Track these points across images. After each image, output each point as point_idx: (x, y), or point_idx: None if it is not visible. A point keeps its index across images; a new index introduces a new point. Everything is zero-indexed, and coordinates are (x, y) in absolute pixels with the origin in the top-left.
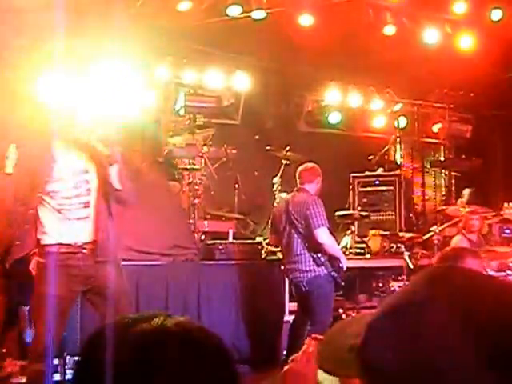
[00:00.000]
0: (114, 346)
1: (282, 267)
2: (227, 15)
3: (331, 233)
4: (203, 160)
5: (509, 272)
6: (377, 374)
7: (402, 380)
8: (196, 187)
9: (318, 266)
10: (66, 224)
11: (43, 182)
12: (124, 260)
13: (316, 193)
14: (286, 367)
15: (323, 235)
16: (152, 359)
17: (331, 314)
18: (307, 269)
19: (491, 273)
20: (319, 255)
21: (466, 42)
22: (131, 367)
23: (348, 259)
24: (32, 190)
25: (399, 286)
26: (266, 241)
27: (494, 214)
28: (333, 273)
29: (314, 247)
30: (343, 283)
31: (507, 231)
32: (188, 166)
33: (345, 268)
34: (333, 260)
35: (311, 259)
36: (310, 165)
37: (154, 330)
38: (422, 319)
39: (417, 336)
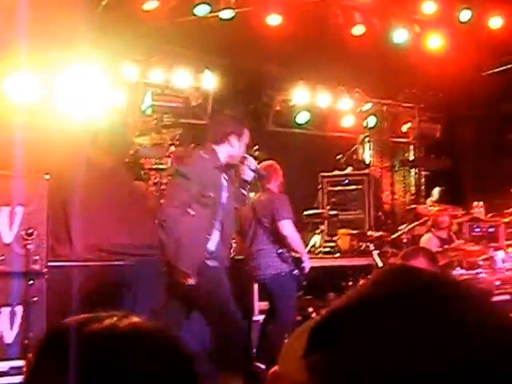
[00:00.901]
0: (64, 346)
1: (247, 267)
2: (195, 15)
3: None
4: (170, 160)
5: (479, 270)
6: (320, 379)
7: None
8: (163, 187)
9: (282, 261)
10: None
11: None
12: (91, 260)
13: (280, 188)
14: None
15: (287, 227)
16: (101, 360)
17: (294, 313)
18: (269, 264)
19: (461, 271)
20: (284, 250)
21: (435, 42)
22: (80, 368)
23: (317, 258)
24: None
25: None
26: (234, 240)
27: (463, 212)
28: (295, 271)
29: (279, 241)
30: (305, 282)
31: (477, 229)
32: (155, 166)
33: (307, 267)
34: (296, 258)
35: (275, 254)
36: (266, 163)
37: (105, 330)
38: (361, 322)
39: (356, 339)
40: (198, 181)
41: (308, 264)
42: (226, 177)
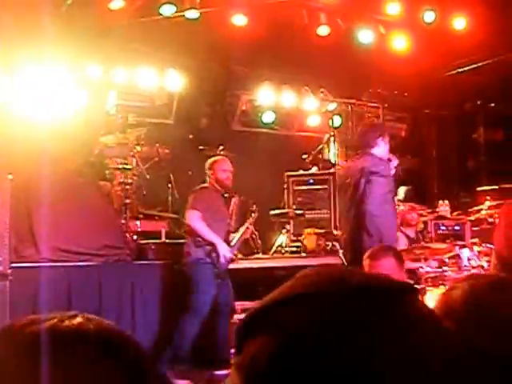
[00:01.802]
0: (4, 347)
1: None
2: (160, 14)
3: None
4: (135, 159)
5: (445, 268)
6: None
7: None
8: (127, 187)
9: (196, 247)
10: None
11: None
12: (53, 261)
13: (219, 184)
14: None
15: (189, 216)
16: (37, 361)
17: (205, 302)
18: (187, 250)
19: (427, 269)
20: (198, 238)
21: (400, 43)
22: (16, 369)
23: (284, 258)
24: None
25: None
26: None
27: (429, 211)
28: (208, 259)
29: (192, 230)
30: (218, 270)
31: (442, 228)
32: (119, 166)
33: (223, 255)
34: (213, 246)
35: (191, 241)
36: (211, 159)
37: (46, 330)
38: (269, 323)
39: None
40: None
41: (224, 252)
42: None
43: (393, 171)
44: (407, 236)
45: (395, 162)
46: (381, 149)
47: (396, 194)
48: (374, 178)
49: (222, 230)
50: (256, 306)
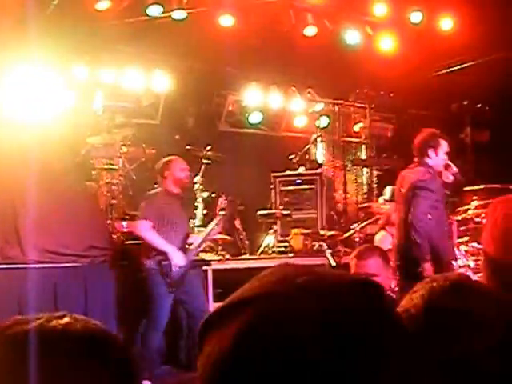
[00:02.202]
0: None
1: None
2: (147, 15)
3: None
4: (121, 160)
5: None
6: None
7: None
8: (114, 187)
9: (148, 257)
10: None
11: None
12: (39, 262)
13: (175, 185)
14: None
15: (138, 227)
16: (24, 360)
17: (161, 313)
18: (141, 260)
19: None
20: (150, 248)
21: (387, 43)
22: (4, 368)
23: (271, 258)
24: None
25: None
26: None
27: None
28: (160, 268)
29: (143, 240)
30: (171, 279)
31: None
32: (106, 166)
33: (176, 264)
34: (165, 255)
35: (144, 251)
36: (164, 160)
37: (33, 330)
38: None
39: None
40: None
41: (177, 261)
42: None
43: (450, 179)
44: (393, 235)
45: (453, 169)
46: (434, 159)
47: (446, 203)
48: (419, 192)
49: (178, 236)
50: (217, 307)
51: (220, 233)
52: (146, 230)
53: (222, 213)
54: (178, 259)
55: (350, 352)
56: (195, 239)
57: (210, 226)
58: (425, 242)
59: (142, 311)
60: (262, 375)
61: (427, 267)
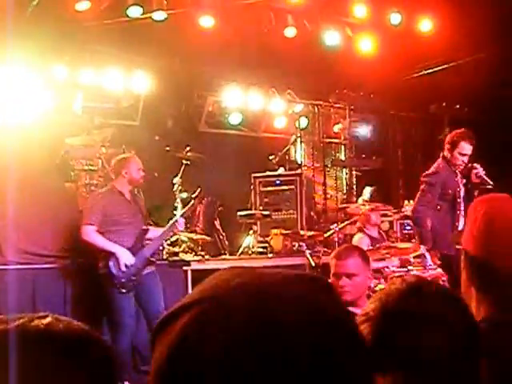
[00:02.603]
0: None
1: None
2: (127, 16)
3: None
4: (101, 161)
5: (410, 268)
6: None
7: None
8: (93, 188)
9: (99, 260)
10: None
11: None
12: (20, 263)
13: (130, 184)
14: None
15: (83, 233)
16: (5, 359)
17: (123, 314)
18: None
19: (393, 269)
20: (99, 251)
21: (366, 45)
22: None
23: (251, 259)
24: None
25: None
26: (168, 241)
27: (394, 211)
28: (109, 270)
29: (91, 245)
30: (118, 280)
31: (408, 227)
32: (85, 167)
33: (124, 264)
34: (113, 256)
35: (95, 255)
36: (118, 158)
37: (14, 330)
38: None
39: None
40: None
41: (125, 260)
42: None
43: (475, 179)
44: (370, 236)
45: (478, 171)
46: (449, 156)
47: (448, 202)
48: (423, 185)
49: (129, 235)
50: (168, 310)
51: (196, 232)
52: (90, 235)
53: (193, 202)
54: (126, 259)
55: (272, 352)
56: (156, 232)
57: (175, 218)
58: (422, 232)
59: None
60: (195, 379)
61: (427, 256)
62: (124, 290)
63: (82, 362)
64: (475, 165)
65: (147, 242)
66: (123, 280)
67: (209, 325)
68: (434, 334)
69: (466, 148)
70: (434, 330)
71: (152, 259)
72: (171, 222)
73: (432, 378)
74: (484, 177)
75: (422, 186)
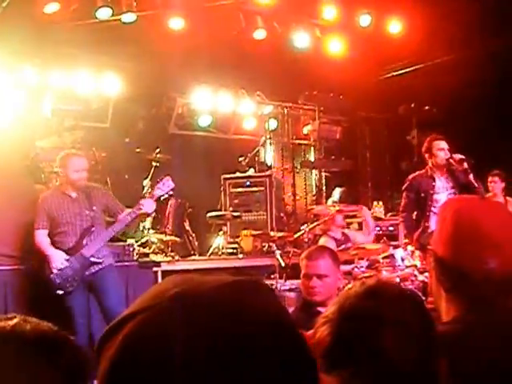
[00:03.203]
0: None
1: None
2: (96, 18)
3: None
4: None
5: (379, 268)
6: None
7: None
8: None
9: (44, 264)
10: None
11: None
12: None
13: (70, 185)
14: None
15: (35, 239)
16: None
17: (71, 315)
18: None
19: (362, 269)
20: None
21: (336, 46)
22: None
23: (221, 259)
24: None
25: (272, 284)
26: (138, 243)
27: None
28: (50, 274)
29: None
30: (52, 282)
31: (377, 228)
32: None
33: (57, 267)
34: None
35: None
36: (59, 156)
37: None
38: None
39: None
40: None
41: (56, 264)
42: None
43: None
44: (334, 238)
45: (456, 157)
46: (433, 161)
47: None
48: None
49: (71, 236)
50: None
51: (166, 233)
52: (36, 238)
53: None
54: (55, 261)
55: (208, 362)
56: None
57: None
58: (407, 234)
59: None
60: None
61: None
62: (61, 292)
63: (49, 362)
64: (453, 155)
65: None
66: (58, 281)
67: (145, 337)
68: (389, 335)
69: (441, 144)
70: (390, 331)
71: (95, 259)
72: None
73: (388, 378)
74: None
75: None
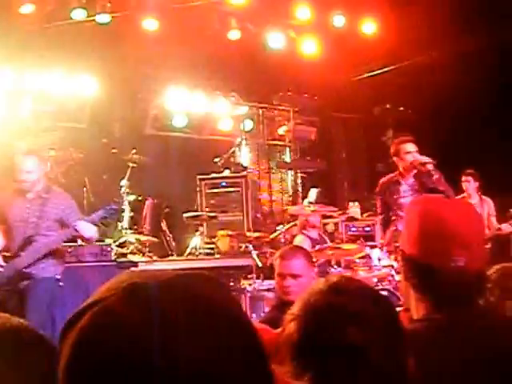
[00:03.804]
0: None
1: None
2: (72, 19)
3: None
4: (49, 163)
5: (356, 268)
6: None
7: None
8: None
9: None
10: None
11: None
12: None
13: (18, 184)
14: None
15: None
16: None
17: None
18: None
19: (339, 269)
20: None
21: (310, 47)
22: None
23: (198, 260)
24: None
25: (249, 284)
26: (116, 243)
27: (340, 212)
28: None
29: None
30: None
31: (353, 229)
32: None
33: None
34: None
35: None
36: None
37: None
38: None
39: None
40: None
41: None
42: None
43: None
44: (310, 237)
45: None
46: (402, 164)
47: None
48: None
49: (18, 238)
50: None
51: (143, 233)
52: None
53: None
54: None
55: (163, 353)
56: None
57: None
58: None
59: None
60: (90, 380)
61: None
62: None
63: (16, 358)
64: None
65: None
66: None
67: (100, 326)
68: (353, 329)
69: (408, 146)
70: (354, 325)
71: (27, 272)
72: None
73: (355, 373)
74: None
75: None
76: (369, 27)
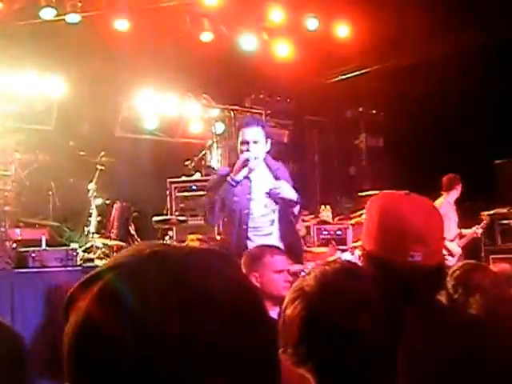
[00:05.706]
0: None
1: None
2: (40, 18)
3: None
4: (14, 166)
5: None
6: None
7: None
8: (6, 194)
9: None
10: None
11: None
12: None
13: None
14: None
15: None
16: None
17: None
18: None
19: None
20: None
21: (283, 49)
22: None
23: None
24: None
25: None
26: (83, 248)
27: (311, 216)
28: None
29: None
30: None
31: (325, 232)
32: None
33: None
34: None
35: None
36: None
37: None
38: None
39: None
40: None
41: None
42: None
43: None
44: None
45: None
46: None
47: None
48: None
49: None
50: (79, 280)
51: (111, 238)
52: None
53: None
54: None
55: (187, 319)
56: None
57: None
58: None
59: None
60: (105, 347)
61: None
62: None
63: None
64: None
65: None
66: None
67: (120, 289)
68: (364, 317)
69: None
70: (365, 314)
71: None
72: None
73: (366, 362)
74: None
75: None
76: (342, 30)
